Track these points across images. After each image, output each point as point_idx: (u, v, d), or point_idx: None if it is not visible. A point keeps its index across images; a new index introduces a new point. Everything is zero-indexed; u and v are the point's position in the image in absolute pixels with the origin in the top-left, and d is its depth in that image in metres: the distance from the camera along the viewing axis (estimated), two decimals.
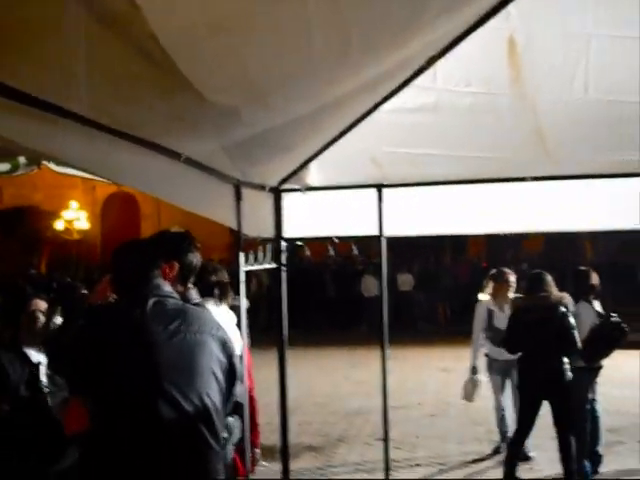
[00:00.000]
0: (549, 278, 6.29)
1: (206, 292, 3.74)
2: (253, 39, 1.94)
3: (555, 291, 6.26)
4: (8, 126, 2.32)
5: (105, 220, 30.58)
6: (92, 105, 2.15)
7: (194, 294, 3.44)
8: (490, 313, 7.14)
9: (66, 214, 27.01)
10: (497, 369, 7.09)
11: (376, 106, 3.48)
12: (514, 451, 6.45)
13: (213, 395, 2.88)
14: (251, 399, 4.00)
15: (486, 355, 7.21)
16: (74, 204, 27.54)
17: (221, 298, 3.86)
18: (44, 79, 2.09)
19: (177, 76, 2.12)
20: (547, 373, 6.11)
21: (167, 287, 3.03)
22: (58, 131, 2.41)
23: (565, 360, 6.11)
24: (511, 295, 7.06)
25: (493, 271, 7.39)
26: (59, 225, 26.46)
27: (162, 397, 2.75)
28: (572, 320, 6.06)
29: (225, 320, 3.65)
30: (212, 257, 16.07)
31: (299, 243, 25.09)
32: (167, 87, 2.24)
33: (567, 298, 6.33)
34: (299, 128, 3.30)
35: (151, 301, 2.88)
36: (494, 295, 7.14)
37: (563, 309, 6.11)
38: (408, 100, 3.52)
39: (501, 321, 7.03)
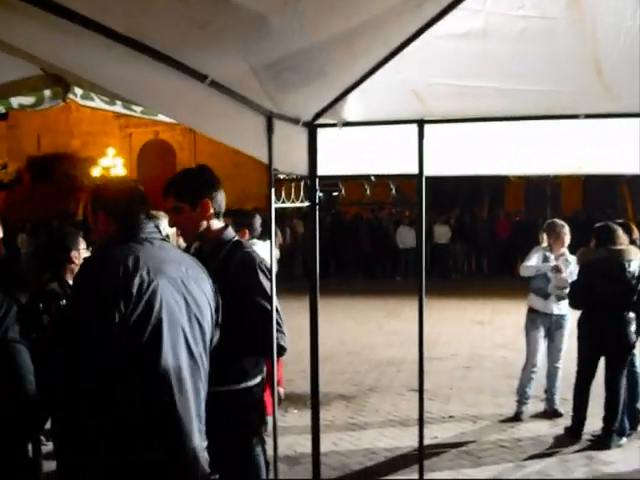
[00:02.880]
0: (620, 230, 6.02)
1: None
2: None
3: (627, 243, 6.00)
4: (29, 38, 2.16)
5: (141, 167, 30.67)
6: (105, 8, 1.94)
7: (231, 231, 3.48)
8: (546, 259, 6.86)
9: (103, 161, 27.12)
10: (541, 323, 6.84)
11: (420, 31, 3.20)
12: (581, 407, 6.30)
13: None
14: None
15: (529, 309, 6.96)
16: (111, 151, 27.63)
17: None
18: None
19: None
20: (611, 330, 5.90)
21: None
22: (73, 39, 2.22)
23: (631, 316, 5.89)
24: (565, 247, 6.82)
25: (548, 222, 7.13)
26: (96, 172, 26.55)
27: None
28: None
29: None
30: (247, 206, 15.99)
31: (335, 193, 24.96)
32: None
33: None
34: (335, 51, 3.05)
35: None
36: (550, 247, 6.89)
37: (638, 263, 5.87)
38: (455, 25, 3.21)
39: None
